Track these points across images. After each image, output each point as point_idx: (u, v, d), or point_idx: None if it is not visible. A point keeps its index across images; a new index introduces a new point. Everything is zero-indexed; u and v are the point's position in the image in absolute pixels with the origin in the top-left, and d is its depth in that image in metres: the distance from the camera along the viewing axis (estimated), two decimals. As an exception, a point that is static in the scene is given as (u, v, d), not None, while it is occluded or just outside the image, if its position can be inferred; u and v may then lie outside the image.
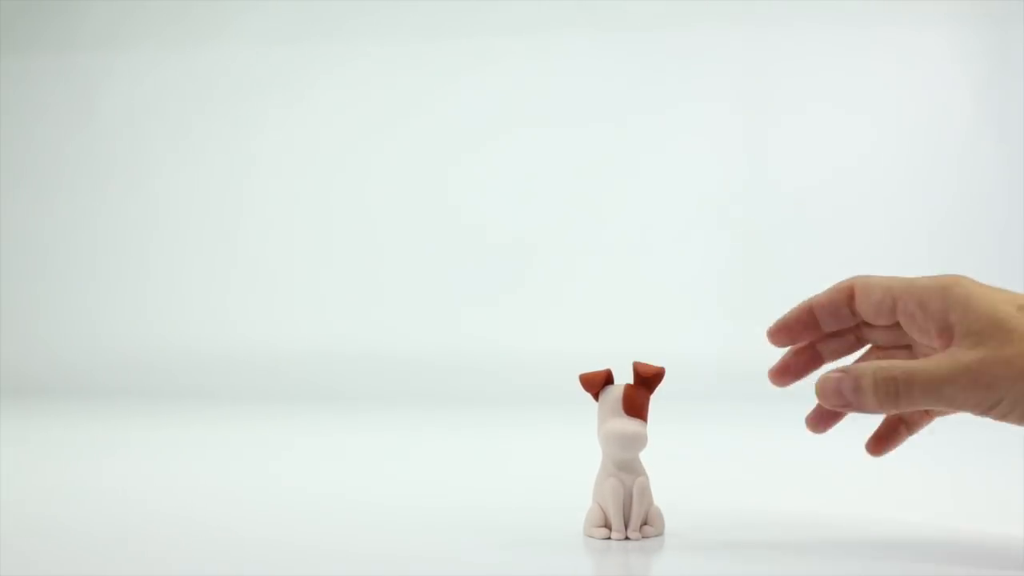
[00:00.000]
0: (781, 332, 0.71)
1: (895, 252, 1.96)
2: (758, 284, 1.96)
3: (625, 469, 0.71)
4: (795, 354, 0.72)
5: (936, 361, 0.61)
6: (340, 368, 1.91)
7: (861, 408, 0.63)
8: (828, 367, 0.67)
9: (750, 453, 1.21)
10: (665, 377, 0.70)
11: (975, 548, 0.68)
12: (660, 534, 0.72)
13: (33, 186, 2.17)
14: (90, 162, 2.17)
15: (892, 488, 0.94)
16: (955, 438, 0.66)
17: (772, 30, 2.04)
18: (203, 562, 0.67)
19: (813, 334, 0.70)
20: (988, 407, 0.60)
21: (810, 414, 0.71)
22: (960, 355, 0.61)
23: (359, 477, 1.02)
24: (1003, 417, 0.61)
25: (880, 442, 0.72)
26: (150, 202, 2.14)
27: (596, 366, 0.73)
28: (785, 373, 0.72)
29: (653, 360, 0.71)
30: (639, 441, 0.69)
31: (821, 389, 0.64)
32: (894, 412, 0.64)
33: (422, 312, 2.00)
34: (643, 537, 0.71)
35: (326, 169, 2.12)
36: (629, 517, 0.70)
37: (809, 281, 1.86)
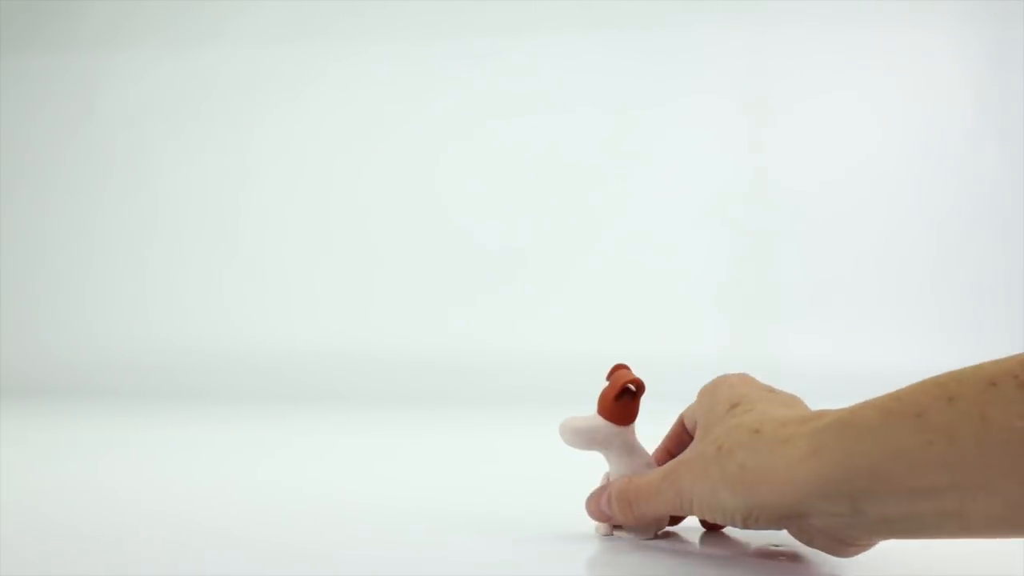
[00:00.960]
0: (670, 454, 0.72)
1: (896, 252, 1.96)
2: (757, 284, 1.96)
3: (611, 467, 0.71)
4: None
5: (652, 472, 0.65)
6: (336, 368, 1.91)
7: (616, 521, 0.68)
8: None
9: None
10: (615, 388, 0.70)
11: (976, 547, 0.68)
12: (638, 536, 0.71)
13: (32, 186, 2.17)
14: (89, 162, 2.17)
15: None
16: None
17: (772, 29, 2.04)
18: (200, 562, 0.67)
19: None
20: (687, 507, 0.62)
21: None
22: (668, 464, 0.64)
23: (355, 477, 1.02)
24: (699, 514, 0.62)
25: None
26: (149, 202, 2.14)
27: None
28: None
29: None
30: (559, 434, 0.71)
31: (587, 504, 0.70)
32: (644, 523, 0.67)
33: (418, 312, 2.01)
34: (608, 535, 0.71)
35: (323, 169, 2.12)
36: None
37: (808, 281, 1.86)
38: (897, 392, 0.55)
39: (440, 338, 1.96)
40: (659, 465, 0.69)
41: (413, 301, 2.01)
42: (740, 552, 0.69)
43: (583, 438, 0.70)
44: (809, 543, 0.60)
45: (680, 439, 0.71)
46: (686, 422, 0.70)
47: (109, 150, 2.16)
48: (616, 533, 0.71)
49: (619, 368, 0.72)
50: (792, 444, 0.56)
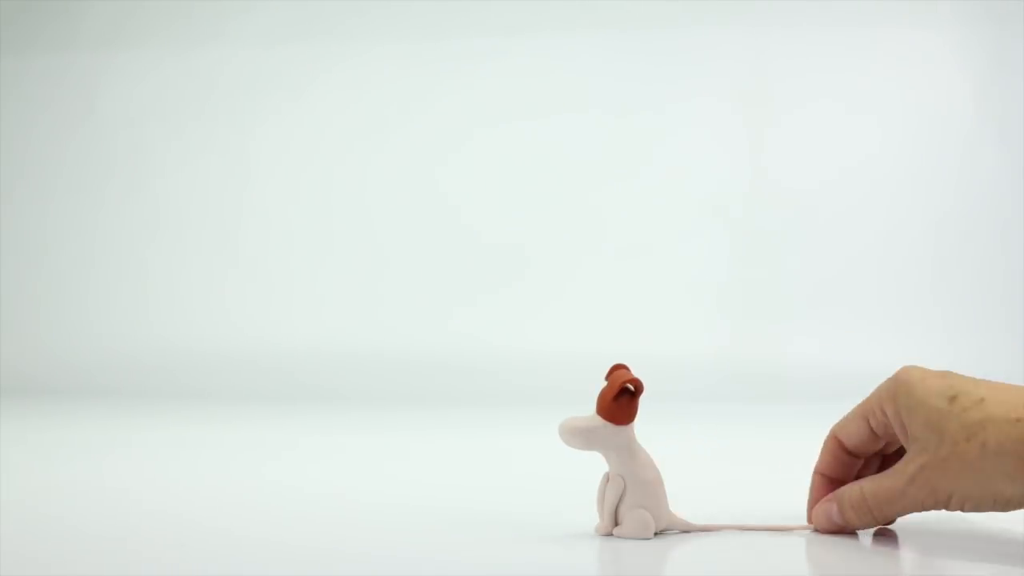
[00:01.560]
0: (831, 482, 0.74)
1: (896, 252, 1.96)
2: (758, 285, 1.96)
3: (611, 466, 0.71)
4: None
5: (890, 476, 0.67)
6: (340, 368, 1.91)
7: (852, 529, 0.71)
8: None
9: (749, 453, 1.21)
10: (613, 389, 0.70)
11: (976, 547, 0.68)
12: (627, 537, 0.71)
13: (32, 186, 2.17)
14: (90, 162, 2.17)
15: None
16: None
17: (772, 30, 2.04)
18: (202, 563, 0.67)
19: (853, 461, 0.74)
20: (943, 504, 0.65)
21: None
22: (906, 465, 0.66)
23: (358, 477, 1.02)
24: (958, 508, 0.65)
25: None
26: (150, 202, 2.14)
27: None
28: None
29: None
30: (559, 434, 0.71)
31: (816, 519, 0.72)
32: (881, 524, 0.71)
33: (422, 312, 2.00)
34: (608, 535, 0.71)
35: (326, 169, 2.12)
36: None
37: (808, 282, 1.87)
38: None
39: (444, 338, 1.96)
40: (817, 491, 0.74)
41: (417, 301, 2.01)
42: (740, 550, 0.69)
43: (582, 438, 0.70)
44: None
45: (840, 460, 0.73)
46: (860, 433, 0.71)
47: (110, 150, 2.16)
48: (615, 533, 0.71)
49: (618, 368, 0.72)
50: None
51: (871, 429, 0.71)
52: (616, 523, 0.71)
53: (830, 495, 0.71)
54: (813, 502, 0.74)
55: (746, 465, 1.11)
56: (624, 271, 2.00)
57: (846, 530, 0.71)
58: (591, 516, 0.73)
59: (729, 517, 0.77)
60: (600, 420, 0.70)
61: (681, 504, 0.74)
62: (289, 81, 2.14)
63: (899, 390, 0.67)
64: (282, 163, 2.13)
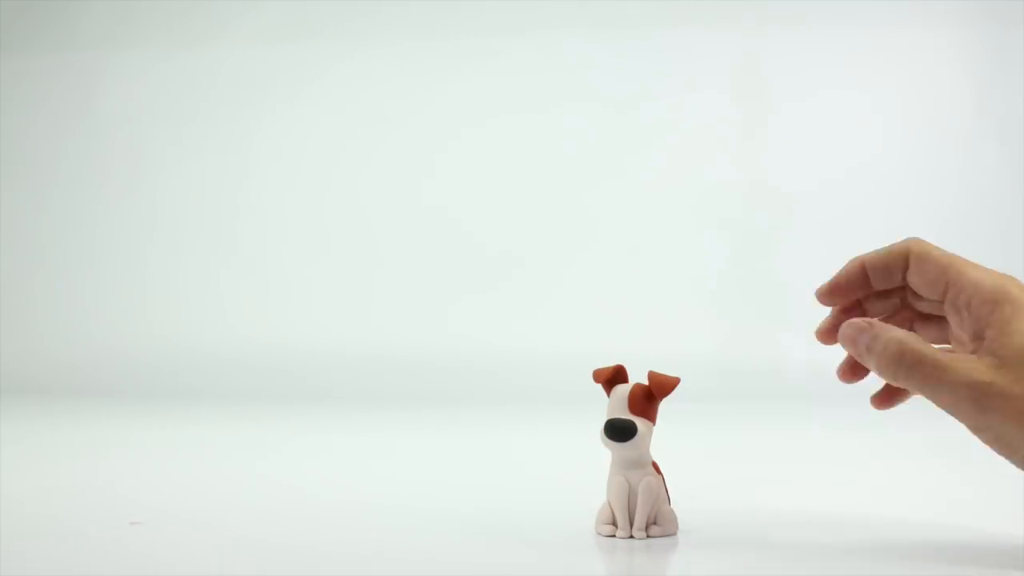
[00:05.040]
0: (833, 292, 0.71)
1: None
2: (755, 284, 1.95)
3: (631, 467, 0.71)
4: (841, 312, 0.71)
5: (951, 363, 0.62)
6: (335, 368, 1.91)
7: (864, 363, 0.65)
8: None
9: (749, 450, 1.21)
10: (678, 387, 0.71)
11: (977, 548, 0.69)
12: (669, 535, 0.71)
13: (31, 185, 2.17)
14: (88, 161, 2.16)
15: (896, 485, 0.94)
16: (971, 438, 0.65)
17: (771, 29, 2.03)
18: (199, 562, 0.67)
19: (863, 292, 0.71)
20: (976, 429, 0.61)
21: (841, 365, 0.71)
22: (974, 370, 0.61)
23: (354, 476, 1.02)
24: (988, 443, 0.61)
25: (882, 400, 0.72)
26: (148, 202, 2.14)
27: (592, 365, 0.74)
28: (832, 332, 0.71)
29: (664, 361, 0.71)
30: (638, 439, 0.69)
31: (842, 332, 0.66)
32: (891, 382, 0.65)
33: (417, 311, 2.00)
34: (648, 537, 0.71)
35: (322, 169, 2.12)
36: (634, 516, 0.71)
37: (807, 282, 1.86)
38: None
39: (439, 337, 1.96)
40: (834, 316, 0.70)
41: (412, 300, 2.01)
42: (744, 552, 0.69)
43: (649, 440, 0.71)
44: None
45: (852, 280, 0.70)
46: (891, 264, 0.68)
47: (108, 149, 2.16)
48: (618, 535, 0.71)
49: (621, 369, 0.72)
50: None
51: (944, 290, 0.66)
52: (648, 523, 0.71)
53: (867, 320, 0.66)
54: (829, 323, 0.71)
55: (746, 463, 1.11)
56: (619, 270, 2.00)
57: (849, 365, 0.69)
58: (587, 513, 0.73)
59: (733, 515, 0.77)
60: (644, 421, 0.70)
61: (683, 503, 0.74)
62: (286, 81, 2.14)
63: (1003, 305, 0.62)
64: (278, 162, 2.13)
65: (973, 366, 0.61)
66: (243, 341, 1.99)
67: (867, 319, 0.66)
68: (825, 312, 0.72)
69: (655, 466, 0.72)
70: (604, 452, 0.72)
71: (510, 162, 2.08)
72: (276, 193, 2.12)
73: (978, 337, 0.63)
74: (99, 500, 0.88)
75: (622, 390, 0.71)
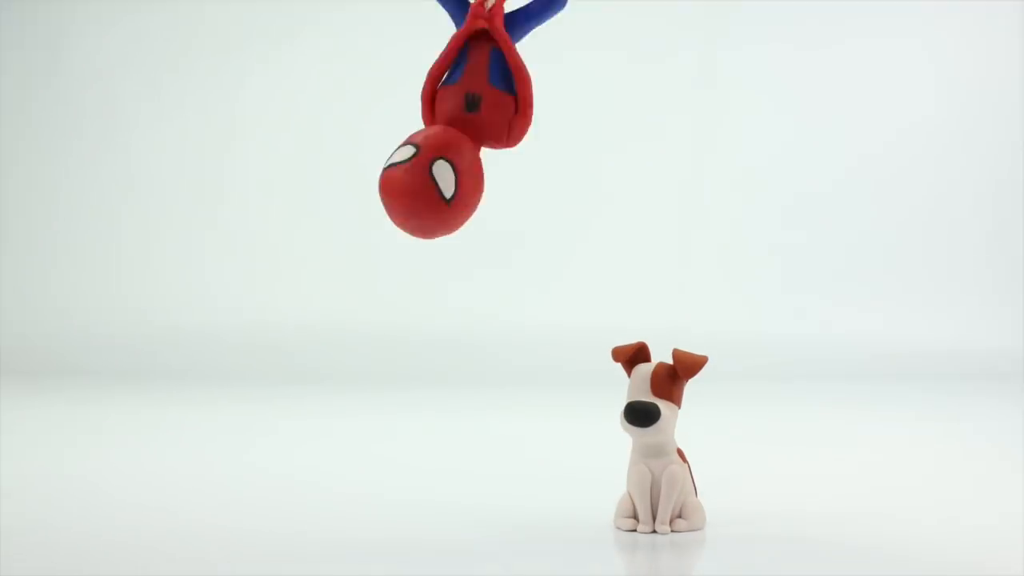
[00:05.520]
0: None
1: (947, 219, 1.95)
2: (788, 253, 1.95)
3: (653, 455, 0.71)
4: None
5: None
6: (328, 346, 1.90)
7: None
8: None
9: (784, 436, 1.21)
10: (706, 367, 0.71)
11: (977, 546, 0.68)
12: (695, 529, 0.71)
13: (-7, 147, 2.17)
14: (55, 120, 2.16)
15: (944, 475, 0.93)
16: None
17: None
18: (177, 560, 0.67)
19: None
20: None
21: None
22: None
23: (352, 466, 1.02)
24: None
25: None
26: (121, 164, 2.13)
27: (611, 342, 0.74)
28: None
29: (690, 338, 0.72)
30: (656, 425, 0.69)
31: None
32: None
33: (416, 286, 2.00)
34: (673, 532, 0.71)
35: (313, 129, 2.10)
36: (657, 508, 0.71)
37: (847, 250, 1.85)
38: None
39: (443, 313, 1.96)
40: None
41: (414, 272, 2.01)
42: (776, 546, 0.69)
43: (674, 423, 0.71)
44: None
45: None
46: None
47: (77, 107, 2.15)
48: (640, 529, 0.71)
49: (643, 346, 0.72)
50: None
51: None
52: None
53: None
54: None
55: (773, 450, 1.11)
56: (640, 237, 1.98)
57: None
58: (605, 506, 0.73)
59: (759, 510, 0.76)
60: (668, 404, 0.70)
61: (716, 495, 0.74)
62: (274, 29, 2.13)
63: None
64: (266, 120, 2.12)
65: None
66: (227, 316, 1.99)
67: None
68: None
69: (680, 454, 0.72)
70: (624, 438, 0.72)
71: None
72: (263, 154, 2.11)
73: None
74: (67, 491, 0.88)
75: (644, 370, 0.71)
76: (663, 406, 0.70)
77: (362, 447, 1.14)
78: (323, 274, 2.03)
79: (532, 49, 2.01)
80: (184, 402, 1.56)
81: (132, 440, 1.20)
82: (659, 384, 0.70)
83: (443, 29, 2.04)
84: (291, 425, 1.33)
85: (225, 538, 0.72)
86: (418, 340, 1.92)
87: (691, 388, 0.72)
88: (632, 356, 0.72)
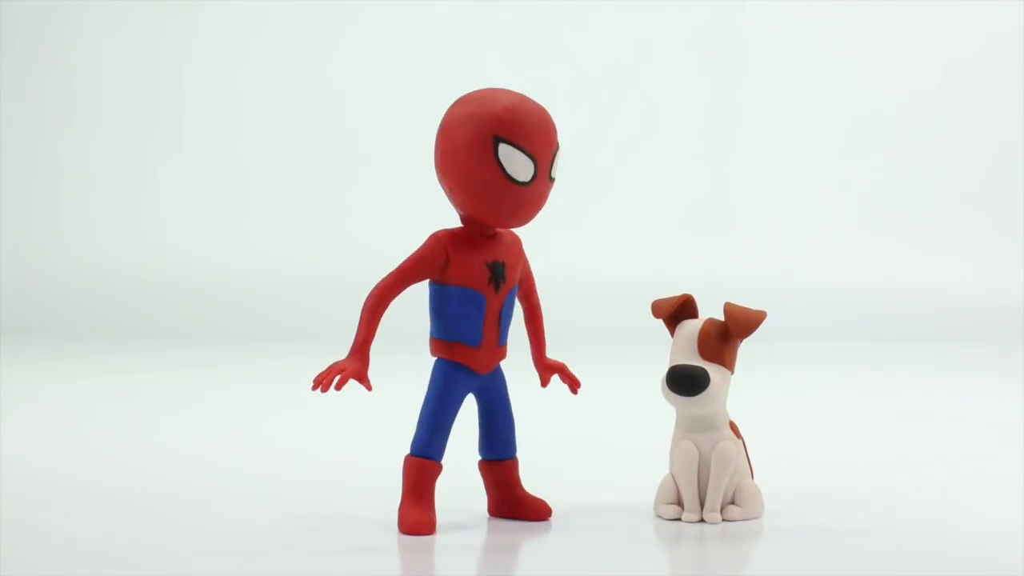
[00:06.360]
0: None
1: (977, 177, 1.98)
2: (850, 195, 1.98)
3: (700, 430, 0.71)
4: None
5: None
6: (305, 298, 1.92)
7: None
8: None
9: (855, 408, 1.21)
10: (763, 324, 0.71)
11: (977, 546, 0.68)
12: (751, 518, 0.72)
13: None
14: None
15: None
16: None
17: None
18: (123, 548, 0.67)
19: None
20: None
21: None
22: None
23: (335, 442, 1.03)
24: None
25: None
26: (63, 81, 2.14)
27: (651, 295, 0.74)
28: None
29: (744, 290, 0.73)
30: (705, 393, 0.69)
31: None
32: None
33: (404, 229, 2.01)
34: (724, 521, 0.71)
35: (290, 39, 2.12)
36: (705, 493, 0.71)
37: (915, 191, 1.87)
38: None
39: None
40: None
41: (405, 212, 2.02)
42: (843, 537, 0.69)
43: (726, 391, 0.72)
44: None
45: None
46: None
47: (10, 17, 2.16)
48: (685, 518, 0.71)
49: (689, 300, 0.72)
50: None
51: None
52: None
53: None
54: None
55: (842, 425, 1.11)
56: (684, 177, 2.01)
57: None
58: (644, 490, 0.73)
59: (824, 495, 0.77)
60: (718, 368, 0.71)
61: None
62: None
63: None
64: (234, 31, 2.13)
65: None
66: (187, 263, 2.00)
67: None
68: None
69: (734, 428, 0.72)
70: (667, 409, 0.72)
71: (537, 46, 2.09)
72: (230, 70, 2.12)
73: None
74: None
75: (690, 328, 0.71)
76: (713, 371, 0.70)
77: (348, 420, 1.13)
78: (301, 214, 2.06)
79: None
80: (133, 365, 1.56)
81: (70, 409, 1.20)
82: (708, 345, 0.70)
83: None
84: (263, 394, 1.33)
85: (179, 528, 0.72)
86: (415, 291, 1.93)
87: (745, 349, 0.72)
88: (676, 311, 0.72)
